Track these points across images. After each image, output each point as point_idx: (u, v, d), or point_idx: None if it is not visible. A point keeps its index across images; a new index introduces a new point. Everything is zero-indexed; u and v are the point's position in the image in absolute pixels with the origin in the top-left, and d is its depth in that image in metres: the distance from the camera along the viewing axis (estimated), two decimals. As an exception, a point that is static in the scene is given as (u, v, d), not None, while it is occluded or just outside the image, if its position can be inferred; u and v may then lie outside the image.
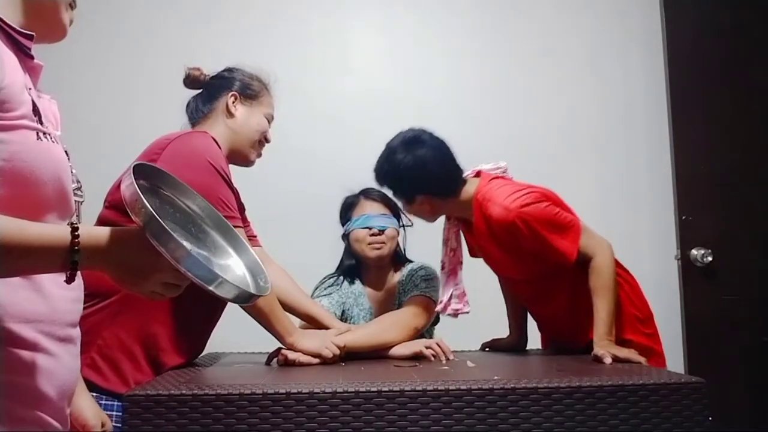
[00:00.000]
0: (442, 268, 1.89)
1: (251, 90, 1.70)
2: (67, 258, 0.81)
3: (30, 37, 0.92)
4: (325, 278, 2.07)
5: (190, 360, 1.54)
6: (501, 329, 2.00)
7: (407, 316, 1.78)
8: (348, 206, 2.08)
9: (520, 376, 1.23)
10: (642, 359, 1.48)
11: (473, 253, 1.93)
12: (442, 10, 2.84)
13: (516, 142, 2.76)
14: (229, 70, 1.74)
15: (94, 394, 1.25)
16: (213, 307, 1.56)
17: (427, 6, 2.85)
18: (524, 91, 2.81)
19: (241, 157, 1.69)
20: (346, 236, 2.07)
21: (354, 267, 2.06)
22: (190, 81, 1.71)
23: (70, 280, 0.83)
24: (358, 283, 2.05)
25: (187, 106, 1.73)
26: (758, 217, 2.55)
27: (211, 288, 0.86)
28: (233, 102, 1.67)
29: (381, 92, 2.78)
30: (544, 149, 2.76)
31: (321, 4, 2.84)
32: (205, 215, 1.06)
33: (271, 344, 1.84)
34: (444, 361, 1.58)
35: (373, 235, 1.98)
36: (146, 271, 0.85)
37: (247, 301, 0.94)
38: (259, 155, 1.73)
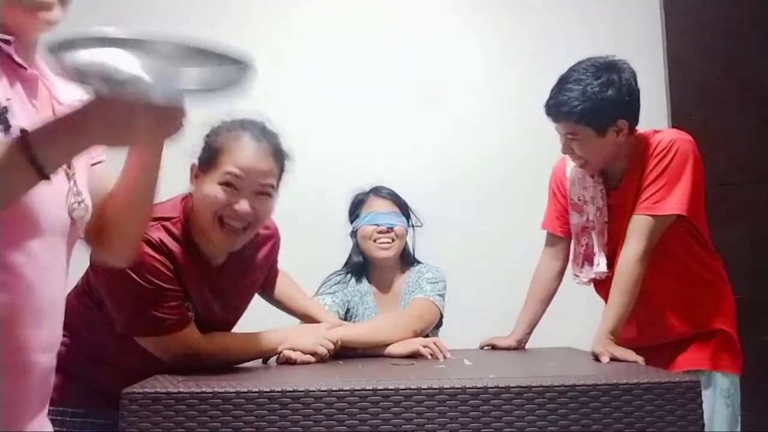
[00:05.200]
0: (585, 228, 1.81)
1: (206, 153, 1.37)
2: (24, 153, 0.77)
3: (6, 42, 0.89)
4: (331, 275, 2.06)
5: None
6: (504, 328, 2.00)
7: (408, 318, 1.78)
8: (357, 203, 2.07)
9: (515, 375, 1.23)
10: (639, 359, 1.48)
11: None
12: (442, 10, 2.85)
13: (515, 142, 2.77)
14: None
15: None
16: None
17: (427, 7, 2.86)
18: (523, 92, 2.80)
19: (204, 241, 1.40)
20: (354, 233, 2.06)
21: (361, 265, 2.05)
22: None
23: (43, 176, 0.79)
24: (364, 281, 2.04)
25: None
26: (759, 216, 2.55)
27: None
28: (193, 177, 1.39)
29: (381, 92, 2.79)
30: (543, 149, 2.75)
31: (321, 4, 2.85)
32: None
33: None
34: (441, 360, 1.58)
35: (381, 232, 1.97)
36: (122, 119, 0.80)
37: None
38: (235, 235, 1.36)
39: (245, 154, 1.33)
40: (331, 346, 1.54)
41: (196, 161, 1.38)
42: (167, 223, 1.34)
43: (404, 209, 2.03)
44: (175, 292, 1.33)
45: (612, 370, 1.33)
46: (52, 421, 1.05)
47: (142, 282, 1.28)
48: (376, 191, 2.05)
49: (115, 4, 2.76)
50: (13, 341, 0.89)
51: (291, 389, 1.15)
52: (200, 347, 1.39)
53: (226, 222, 1.33)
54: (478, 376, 1.24)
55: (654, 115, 2.75)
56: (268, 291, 1.74)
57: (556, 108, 1.68)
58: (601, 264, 1.77)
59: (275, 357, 1.57)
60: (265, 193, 1.36)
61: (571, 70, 1.71)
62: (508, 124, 2.78)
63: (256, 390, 1.15)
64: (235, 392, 1.15)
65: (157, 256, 1.30)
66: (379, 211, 2.00)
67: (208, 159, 1.35)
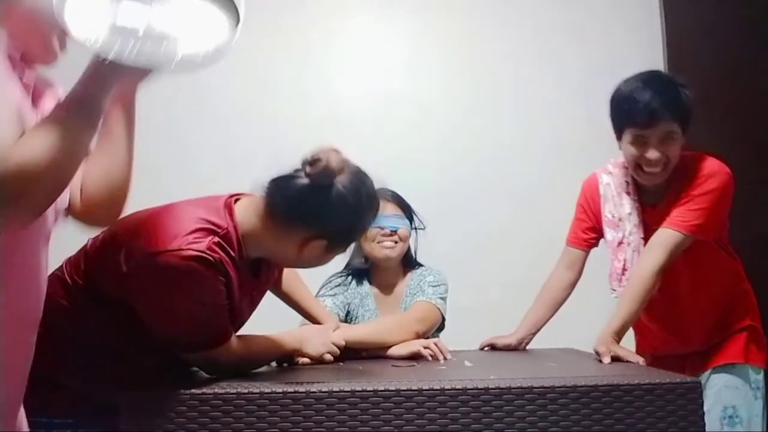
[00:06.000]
0: (621, 244, 1.82)
1: (343, 244, 1.44)
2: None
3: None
4: (332, 277, 2.05)
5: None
6: (504, 329, 2.00)
7: (409, 321, 1.78)
8: None
9: (516, 376, 1.23)
10: (640, 359, 1.49)
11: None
12: (441, 11, 2.85)
13: (514, 143, 2.77)
14: (341, 192, 1.31)
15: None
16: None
17: (427, 7, 2.86)
18: (523, 92, 2.82)
19: (278, 263, 1.52)
20: None
21: (363, 267, 2.04)
22: (321, 175, 1.29)
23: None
24: (365, 283, 2.04)
25: (294, 193, 1.32)
26: (759, 217, 2.55)
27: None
28: (313, 246, 1.32)
29: (381, 92, 2.79)
30: (543, 150, 2.76)
31: (321, 4, 2.85)
32: None
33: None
34: (441, 361, 1.58)
35: (384, 235, 1.96)
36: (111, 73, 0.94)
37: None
38: None
39: None
40: (338, 352, 1.54)
41: (324, 242, 1.32)
42: (218, 238, 1.24)
43: (408, 211, 2.02)
44: (227, 306, 1.30)
45: (613, 371, 1.33)
46: None
47: (201, 302, 1.24)
48: (380, 193, 2.04)
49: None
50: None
51: (292, 390, 1.16)
52: (240, 354, 1.34)
53: None
54: (478, 377, 1.23)
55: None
56: (277, 285, 1.73)
57: (661, 107, 1.66)
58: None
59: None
60: None
61: (652, 76, 1.74)
62: (498, 125, 2.78)
63: (257, 391, 1.15)
64: (235, 393, 1.15)
65: (217, 276, 1.23)
66: (383, 213, 1.96)
67: (342, 246, 1.43)
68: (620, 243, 1.83)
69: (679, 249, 1.68)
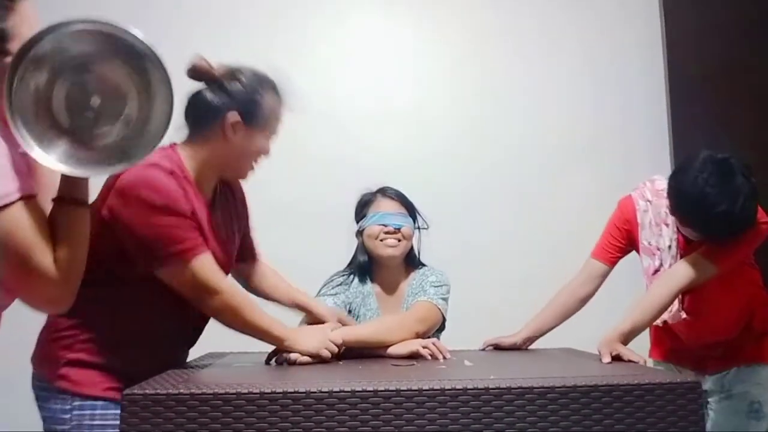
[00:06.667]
0: (657, 272, 1.84)
1: (260, 116, 1.48)
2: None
3: None
4: (334, 276, 2.05)
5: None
6: (504, 329, 2.00)
7: (410, 320, 1.78)
8: (364, 203, 2.06)
9: (516, 376, 1.23)
10: (641, 359, 1.50)
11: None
12: (442, 10, 2.85)
13: (514, 143, 2.77)
14: (236, 77, 1.47)
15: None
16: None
17: (428, 7, 2.86)
18: (523, 92, 2.82)
19: (231, 173, 1.57)
20: (359, 233, 2.04)
21: (366, 265, 2.04)
22: (196, 72, 1.46)
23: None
24: (368, 282, 2.04)
25: (187, 105, 1.49)
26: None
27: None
28: (232, 126, 1.45)
29: (381, 92, 2.79)
30: (543, 149, 2.76)
31: (321, 3, 2.85)
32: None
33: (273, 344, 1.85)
34: (441, 360, 1.58)
35: (388, 233, 1.96)
36: None
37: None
38: (254, 169, 1.57)
39: (281, 113, 1.54)
40: (335, 349, 1.54)
41: (236, 113, 1.45)
42: (170, 164, 1.38)
43: (411, 210, 2.02)
44: (194, 219, 1.39)
45: (613, 371, 1.33)
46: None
47: (166, 208, 1.34)
48: (384, 191, 2.04)
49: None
50: None
51: (291, 390, 1.15)
52: (221, 286, 1.41)
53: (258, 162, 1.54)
54: (478, 376, 1.23)
55: (654, 115, 2.76)
56: (248, 267, 1.74)
57: (707, 235, 1.70)
58: (675, 308, 1.82)
59: (275, 358, 1.57)
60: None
61: (704, 190, 1.62)
62: (498, 125, 2.78)
63: (257, 391, 1.15)
64: (235, 393, 1.15)
65: (175, 180, 1.36)
66: (387, 211, 1.99)
67: (259, 119, 1.48)
68: (656, 271, 1.85)
69: (705, 278, 1.71)
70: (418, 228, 2.05)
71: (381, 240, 1.96)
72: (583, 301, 1.95)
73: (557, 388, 1.17)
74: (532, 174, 2.77)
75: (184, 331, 1.53)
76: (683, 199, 1.68)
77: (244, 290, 1.61)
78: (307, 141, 2.72)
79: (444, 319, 1.92)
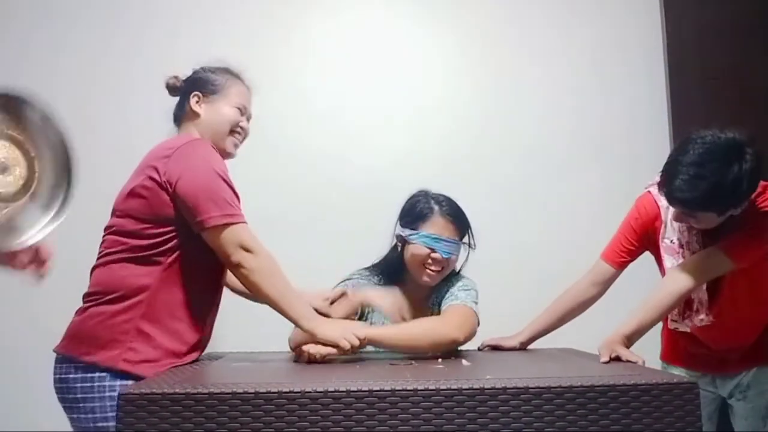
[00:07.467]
0: None
1: (212, 85, 1.71)
2: None
3: None
4: (353, 274, 1.91)
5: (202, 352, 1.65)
6: (504, 330, 2.00)
7: (447, 327, 1.66)
8: (418, 213, 1.83)
9: (513, 376, 1.23)
10: (639, 359, 1.49)
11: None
12: (443, 10, 2.85)
13: (516, 144, 2.77)
14: (194, 71, 1.77)
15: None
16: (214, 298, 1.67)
17: (428, 6, 2.86)
18: (523, 92, 2.81)
19: (218, 151, 1.67)
20: (401, 237, 1.85)
21: (397, 274, 1.88)
22: (170, 89, 1.76)
23: None
24: (395, 287, 1.85)
25: (173, 112, 1.77)
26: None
27: None
28: (196, 102, 1.69)
29: (381, 92, 2.79)
30: (544, 150, 2.76)
31: (321, 3, 2.85)
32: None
33: (272, 343, 1.84)
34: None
35: (435, 259, 1.79)
36: None
37: None
38: (237, 146, 1.75)
39: (243, 90, 1.76)
40: (356, 342, 1.52)
41: (198, 93, 1.70)
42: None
43: (464, 233, 1.85)
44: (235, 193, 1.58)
45: (611, 371, 1.33)
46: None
47: (225, 172, 1.55)
48: (441, 206, 1.83)
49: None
50: None
51: (287, 390, 1.15)
52: (263, 248, 1.53)
53: (235, 132, 1.73)
54: (476, 377, 1.23)
55: (654, 116, 2.75)
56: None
57: (681, 203, 1.61)
58: (701, 313, 1.75)
59: (300, 357, 1.55)
60: (249, 119, 1.80)
61: (696, 158, 1.60)
62: (498, 126, 2.78)
63: (252, 391, 1.15)
64: (231, 393, 1.15)
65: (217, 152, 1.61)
66: (440, 236, 1.79)
67: (214, 87, 1.72)
68: None
69: (721, 272, 1.66)
70: (468, 244, 1.88)
71: (425, 265, 1.80)
72: (585, 305, 1.91)
73: (553, 389, 1.17)
74: (533, 174, 2.76)
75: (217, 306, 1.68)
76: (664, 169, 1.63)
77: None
78: (308, 141, 2.72)
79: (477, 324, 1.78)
